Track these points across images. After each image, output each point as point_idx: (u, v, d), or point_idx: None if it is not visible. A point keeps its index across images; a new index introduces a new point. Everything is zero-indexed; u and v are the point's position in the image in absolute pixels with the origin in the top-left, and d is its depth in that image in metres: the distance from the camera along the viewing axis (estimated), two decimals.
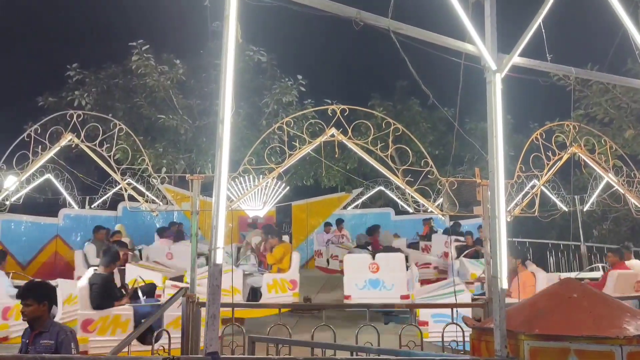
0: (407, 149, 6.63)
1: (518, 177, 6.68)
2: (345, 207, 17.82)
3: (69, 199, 15.63)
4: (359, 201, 18.69)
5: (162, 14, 17.85)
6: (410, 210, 7.68)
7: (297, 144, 7.00)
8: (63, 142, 8.03)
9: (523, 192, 7.67)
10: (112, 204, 16.14)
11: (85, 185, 16.12)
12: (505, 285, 3.44)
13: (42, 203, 16.00)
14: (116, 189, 15.42)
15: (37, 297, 4.48)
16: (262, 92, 17.80)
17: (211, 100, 16.78)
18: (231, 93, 3.37)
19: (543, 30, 4.00)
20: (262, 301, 8.61)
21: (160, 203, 11.23)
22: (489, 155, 3.74)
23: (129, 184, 8.66)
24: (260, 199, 9.71)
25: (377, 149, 6.65)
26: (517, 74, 4.13)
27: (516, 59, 3.85)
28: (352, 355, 4.50)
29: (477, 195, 5.70)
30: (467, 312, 6.42)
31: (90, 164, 12.00)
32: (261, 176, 7.66)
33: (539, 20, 3.81)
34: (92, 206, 16.53)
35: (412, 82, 4.20)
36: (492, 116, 3.75)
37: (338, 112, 6.69)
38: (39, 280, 5.04)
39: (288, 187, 12.44)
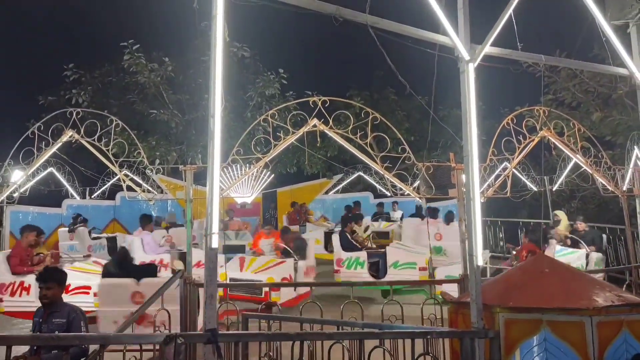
0: (385, 136, 6.54)
1: (490, 160, 6.62)
2: (327, 192, 17.79)
3: (71, 190, 15.47)
4: (340, 186, 18.65)
5: (151, 14, 17.51)
6: (388, 194, 7.62)
7: (281, 135, 6.89)
8: (64, 138, 7.86)
9: (495, 174, 7.61)
10: (111, 194, 15.98)
11: (86, 177, 15.89)
12: (480, 263, 3.39)
13: (47, 195, 15.73)
14: (114, 180, 15.24)
15: (58, 280, 4.55)
16: (246, 86, 17.58)
17: (199, 95, 16.55)
18: (221, 89, 3.32)
19: (514, 21, 3.91)
20: None
21: (156, 192, 11.09)
22: (463, 141, 3.67)
23: (126, 175, 8.51)
24: (248, 187, 9.60)
25: (356, 137, 6.56)
26: (489, 63, 4.05)
27: (488, 48, 3.76)
28: (338, 329, 4.44)
29: (452, 178, 5.64)
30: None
31: (90, 158, 11.77)
32: (248, 165, 7.54)
33: (509, 10, 3.72)
34: (92, 196, 16.35)
35: (388, 72, 4.12)
36: (466, 104, 3.68)
37: (319, 103, 6.58)
38: (54, 266, 5.01)
39: (273, 175, 12.33)
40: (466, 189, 3.62)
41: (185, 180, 6.66)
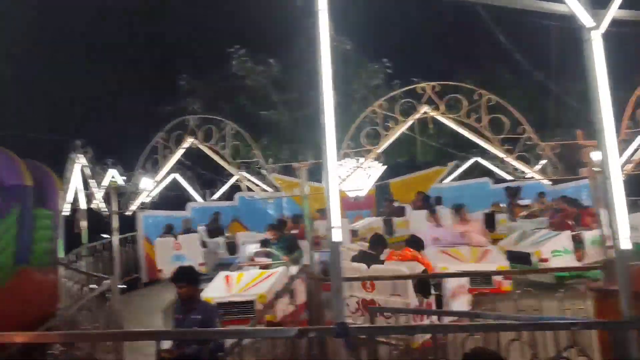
0: (503, 117, 6.28)
1: (625, 134, 6.09)
2: (442, 180, 17.24)
3: (193, 193, 16.39)
4: (455, 173, 17.98)
5: (254, 18, 18.23)
6: (509, 178, 7.28)
7: (391, 125, 6.90)
8: (185, 145, 8.53)
9: (635, 149, 6.93)
10: (230, 195, 16.75)
11: (206, 180, 16.81)
12: (628, 246, 3.14)
13: (172, 199, 16.86)
14: (232, 181, 15.90)
15: (189, 280, 4.84)
16: (350, 79, 17.68)
17: (306, 93, 16.94)
18: (330, 84, 3.37)
19: None
20: None
21: (272, 191, 11.54)
22: (593, 115, 3.42)
23: (243, 176, 9.02)
24: (360, 180, 9.67)
25: (471, 121, 6.38)
26: (617, 28, 3.72)
27: (614, 12, 3.44)
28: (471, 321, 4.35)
29: (582, 157, 5.28)
30: None
31: (207, 161, 12.51)
32: (361, 158, 7.64)
33: None
34: (213, 198, 17.22)
35: (498, 50, 3.95)
36: (594, 75, 3.42)
37: (429, 89, 6.49)
38: (187, 265, 5.42)
39: (386, 166, 12.26)
40: (602, 167, 3.37)
41: (299, 178, 6.90)
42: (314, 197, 7.23)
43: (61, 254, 8.55)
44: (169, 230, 12.68)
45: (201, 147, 8.49)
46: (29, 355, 5.07)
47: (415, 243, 6.64)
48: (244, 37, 18.30)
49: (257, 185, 10.74)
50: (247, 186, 8.20)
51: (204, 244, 12.25)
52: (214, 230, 13.19)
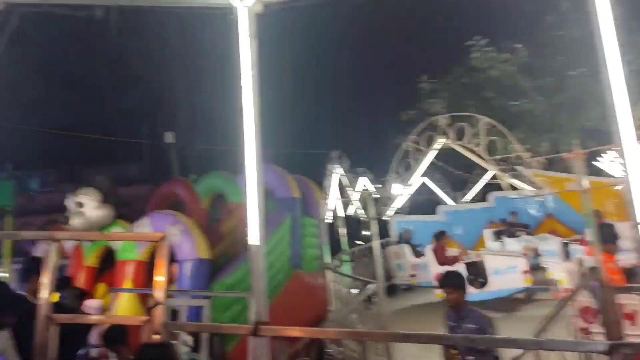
0: None
1: None
2: None
3: (443, 196, 16.08)
4: None
5: (491, 7, 17.30)
6: None
7: None
8: (438, 146, 8.45)
9: None
10: (482, 196, 15.89)
11: (454, 181, 16.37)
12: None
13: (423, 203, 16.85)
14: (486, 180, 15.01)
15: (456, 285, 4.71)
16: (620, 49, 15.15)
17: (563, 74, 15.24)
18: (617, 55, 2.88)
19: None
20: None
21: (532, 189, 10.59)
22: None
23: (502, 171, 8.48)
24: None
25: None
26: None
27: None
28: None
29: None
30: None
31: (459, 161, 12.00)
32: None
33: None
34: (463, 200, 16.57)
35: None
36: None
37: None
38: (454, 270, 5.31)
39: None
40: None
41: (568, 172, 6.12)
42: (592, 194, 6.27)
43: (327, 259, 9.27)
44: (399, 240, 13.16)
45: (454, 146, 8.26)
46: (308, 353, 5.56)
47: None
48: (482, 28, 17.60)
49: (516, 183, 9.96)
50: (510, 184, 7.61)
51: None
52: (511, 232, 12.27)
